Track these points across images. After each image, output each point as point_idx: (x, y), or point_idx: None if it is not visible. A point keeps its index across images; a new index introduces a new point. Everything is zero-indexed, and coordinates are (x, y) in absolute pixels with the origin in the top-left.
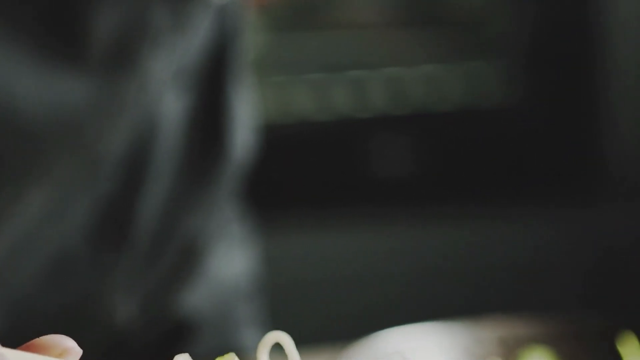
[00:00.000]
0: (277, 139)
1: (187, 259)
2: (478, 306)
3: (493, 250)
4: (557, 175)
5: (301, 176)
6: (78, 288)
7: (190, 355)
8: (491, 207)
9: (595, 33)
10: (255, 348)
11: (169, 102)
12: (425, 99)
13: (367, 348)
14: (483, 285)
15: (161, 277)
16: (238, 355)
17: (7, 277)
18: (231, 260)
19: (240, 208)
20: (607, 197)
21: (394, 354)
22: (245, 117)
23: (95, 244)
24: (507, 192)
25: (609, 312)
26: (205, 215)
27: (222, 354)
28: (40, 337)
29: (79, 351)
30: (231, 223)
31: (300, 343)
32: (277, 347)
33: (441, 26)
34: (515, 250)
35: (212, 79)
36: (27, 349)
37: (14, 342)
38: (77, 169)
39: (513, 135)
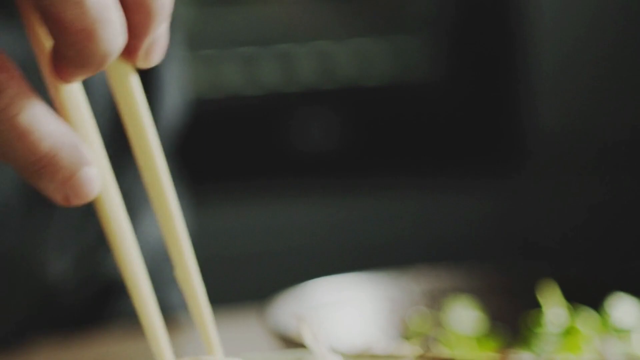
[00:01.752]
0: (206, 113)
1: None
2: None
3: (415, 219)
4: (477, 148)
5: (230, 150)
6: (9, 243)
7: (122, 313)
8: (415, 179)
9: (515, 9)
10: (182, 307)
11: None
12: (352, 73)
13: (292, 299)
14: (402, 254)
15: (93, 236)
16: (167, 313)
17: None
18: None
19: (171, 171)
20: (523, 168)
21: (316, 306)
22: (175, 83)
23: (27, 200)
24: (430, 164)
25: (531, 263)
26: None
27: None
28: None
29: None
30: None
31: (226, 301)
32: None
33: (369, 0)
34: (436, 219)
35: None
36: None
37: None
38: None
39: (438, 109)
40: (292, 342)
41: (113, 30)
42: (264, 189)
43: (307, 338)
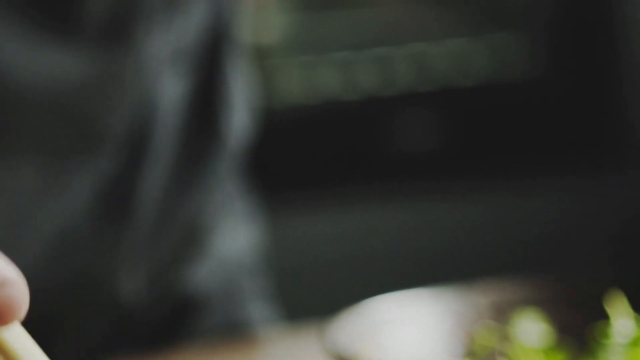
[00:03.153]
0: (303, 119)
1: (190, 237)
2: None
3: (515, 221)
4: (579, 146)
5: (329, 156)
6: (82, 264)
7: (198, 331)
8: (514, 180)
9: (615, 1)
10: (260, 322)
11: (167, 83)
12: (449, 74)
13: (357, 315)
14: (499, 257)
15: (165, 254)
16: (244, 329)
17: (10, 252)
18: (235, 236)
19: (244, 185)
20: (628, 167)
21: (381, 323)
22: (243, 98)
23: (97, 221)
24: (529, 164)
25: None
26: (205, 193)
27: (228, 329)
28: None
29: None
30: (234, 200)
31: (306, 315)
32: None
33: (464, 0)
34: (538, 221)
35: (209, 61)
36: None
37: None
38: (74, 143)
39: (538, 107)
40: None
41: None
42: (359, 194)
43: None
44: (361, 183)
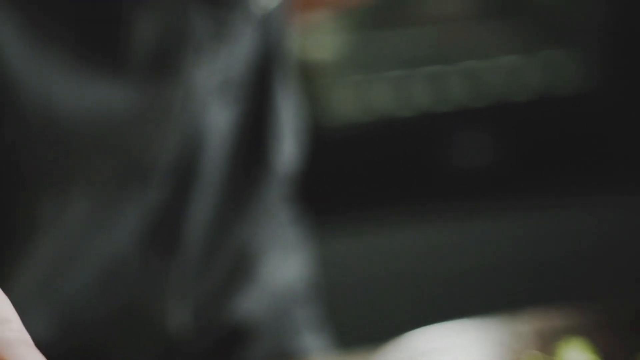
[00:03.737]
0: (358, 136)
1: (239, 266)
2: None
3: (574, 239)
4: (634, 161)
5: (383, 173)
6: (129, 296)
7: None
8: (571, 197)
9: None
10: (312, 352)
11: (215, 113)
12: (503, 90)
13: (401, 347)
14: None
15: (213, 284)
16: (296, 359)
17: (58, 285)
18: (285, 264)
19: (294, 212)
20: None
21: (426, 353)
22: (292, 125)
23: (145, 252)
24: (585, 179)
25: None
26: (254, 222)
27: (279, 358)
28: None
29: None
30: (284, 228)
31: (356, 343)
32: None
33: (516, 17)
34: (598, 238)
35: (258, 90)
36: None
37: (65, 350)
38: (123, 176)
39: (593, 121)
40: None
41: None
42: (413, 212)
43: None
44: (415, 201)
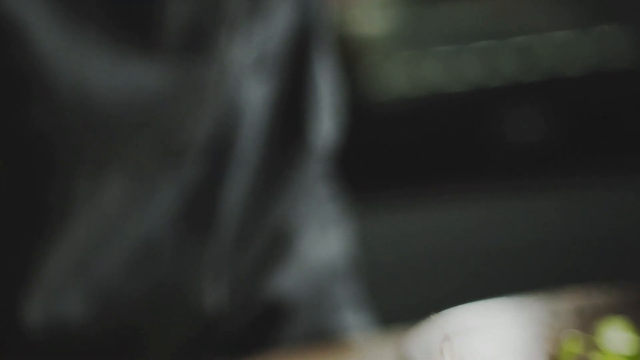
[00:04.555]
0: (408, 111)
1: (276, 244)
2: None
3: (620, 218)
4: None
5: (435, 149)
6: (165, 275)
7: (285, 339)
8: (622, 174)
9: None
10: (352, 330)
11: (251, 89)
12: (555, 66)
13: (438, 325)
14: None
15: (250, 262)
16: (335, 337)
17: (94, 264)
18: (325, 241)
19: (333, 190)
20: None
21: (464, 331)
22: (330, 101)
23: (181, 231)
24: (637, 158)
25: None
26: (292, 199)
27: (318, 336)
28: None
29: None
30: (323, 205)
31: (396, 321)
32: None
33: None
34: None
35: (295, 65)
36: None
37: (100, 329)
38: (159, 156)
39: None
40: None
41: None
42: (465, 188)
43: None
44: (467, 176)
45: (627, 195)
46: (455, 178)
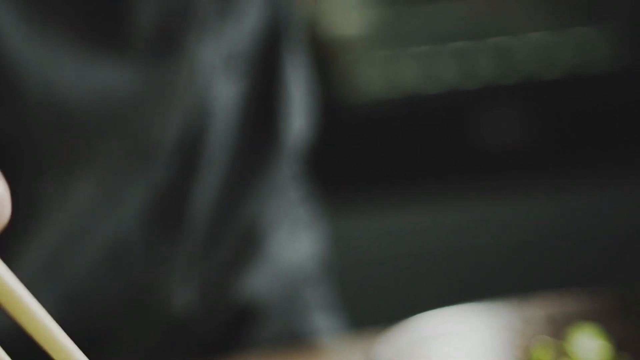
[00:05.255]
0: (384, 113)
1: (246, 244)
2: (543, 283)
3: (594, 222)
4: None
5: (410, 150)
6: (135, 276)
7: (256, 341)
8: (600, 177)
9: None
10: (323, 332)
11: (221, 89)
12: (532, 67)
13: (409, 330)
14: (579, 257)
15: (220, 263)
16: (306, 339)
17: (64, 265)
18: (296, 243)
19: (305, 191)
20: None
21: (435, 337)
22: (302, 99)
23: (151, 231)
24: (615, 160)
25: None
26: (263, 199)
27: (289, 339)
28: None
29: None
30: (294, 206)
31: (367, 324)
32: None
33: None
34: (618, 219)
35: (265, 65)
36: None
37: (70, 331)
38: (129, 156)
39: (623, 100)
40: None
41: None
42: (440, 190)
43: None
44: (442, 179)
45: (603, 198)
46: (430, 180)
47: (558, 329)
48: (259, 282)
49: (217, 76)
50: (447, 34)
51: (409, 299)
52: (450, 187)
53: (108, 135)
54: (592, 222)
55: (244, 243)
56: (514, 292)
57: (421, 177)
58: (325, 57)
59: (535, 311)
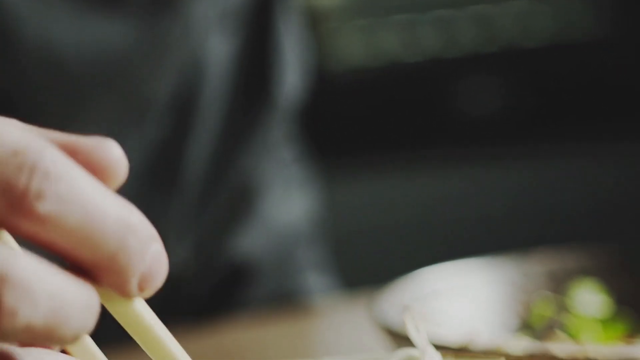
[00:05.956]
0: (365, 81)
1: (240, 202)
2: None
3: (576, 186)
4: None
5: (391, 118)
6: None
7: (249, 301)
8: (580, 144)
9: None
10: (314, 292)
11: (214, 45)
12: (513, 35)
13: (410, 285)
14: (561, 223)
15: (214, 220)
16: (297, 299)
17: None
18: (289, 203)
19: (298, 151)
20: None
21: (436, 292)
22: (295, 58)
23: (145, 188)
24: (595, 127)
25: None
26: (256, 157)
27: (282, 298)
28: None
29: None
30: (287, 166)
31: (362, 282)
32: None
33: None
34: (600, 187)
35: (259, 21)
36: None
37: None
38: (124, 112)
39: (603, 68)
40: (398, 336)
41: (74, 319)
42: (420, 158)
43: (411, 330)
44: (422, 146)
45: (584, 163)
46: (412, 147)
47: (558, 284)
48: (252, 241)
49: (211, 32)
50: (428, 2)
51: (406, 260)
52: (432, 153)
53: (102, 91)
54: (577, 185)
55: (237, 200)
56: (514, 250)
57: (402, 145)
58: (307, 25)
59: (536, 267)
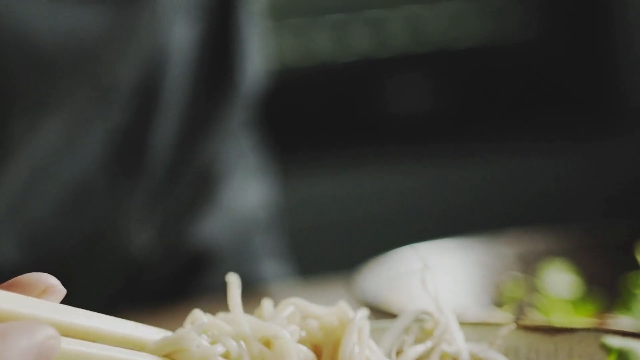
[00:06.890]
0: (297, 81)
1: (202, 187)
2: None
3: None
4: (574, 108)
5: (322, 118)
6: (94, 218)
7: (209, 286)
8: (506, 142)
9: None
10: (274, 279)
11: (179, 31)
12: (444, 36)
13: (380, 267)
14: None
15: (177, 205)
16: (257, 285)
17: (28, 207)
18: (247, 191)
19: (256, 139)
20: (624, 128)
21: (407, 273)
22: (257, 47)
23: (110, 173)
24: (522, 126)
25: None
26: (218, 142)
27: (241, 285)
28: (21, 276)
29: (61, 290)
30: (246, 154)
31: (317, 270)
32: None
33: None
34: (532, 183)
35: (221, 10)
36: (8, 288)
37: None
38: (91, 98)
39: (532, 69)
40: (379, 311)
41: None
42: (353, 157)
43: (429, 288)
44: (354, 145)
45: (515, 162)
46: (346, 145)
47: (528, 265)
48: (213, 227)
49: (176, 17)
50: (360, 3)
51: (357, 254)
52: (364, 152)
53: (73, 75)
54: (507, 183)
55: (199, 186)
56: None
57: (337, 143)
58: None
59: (506, 248)
